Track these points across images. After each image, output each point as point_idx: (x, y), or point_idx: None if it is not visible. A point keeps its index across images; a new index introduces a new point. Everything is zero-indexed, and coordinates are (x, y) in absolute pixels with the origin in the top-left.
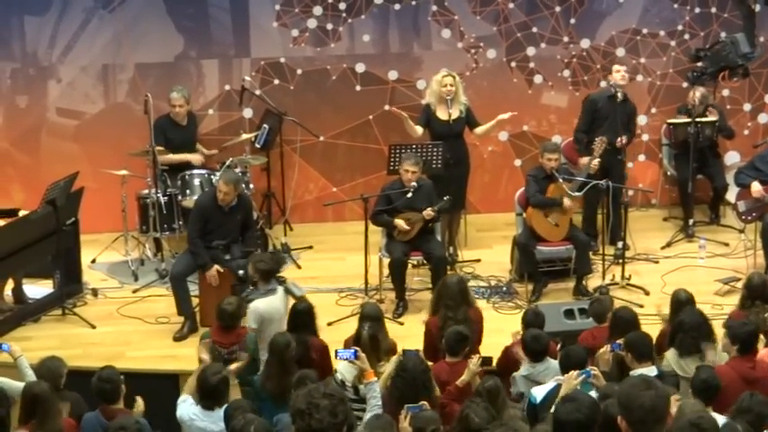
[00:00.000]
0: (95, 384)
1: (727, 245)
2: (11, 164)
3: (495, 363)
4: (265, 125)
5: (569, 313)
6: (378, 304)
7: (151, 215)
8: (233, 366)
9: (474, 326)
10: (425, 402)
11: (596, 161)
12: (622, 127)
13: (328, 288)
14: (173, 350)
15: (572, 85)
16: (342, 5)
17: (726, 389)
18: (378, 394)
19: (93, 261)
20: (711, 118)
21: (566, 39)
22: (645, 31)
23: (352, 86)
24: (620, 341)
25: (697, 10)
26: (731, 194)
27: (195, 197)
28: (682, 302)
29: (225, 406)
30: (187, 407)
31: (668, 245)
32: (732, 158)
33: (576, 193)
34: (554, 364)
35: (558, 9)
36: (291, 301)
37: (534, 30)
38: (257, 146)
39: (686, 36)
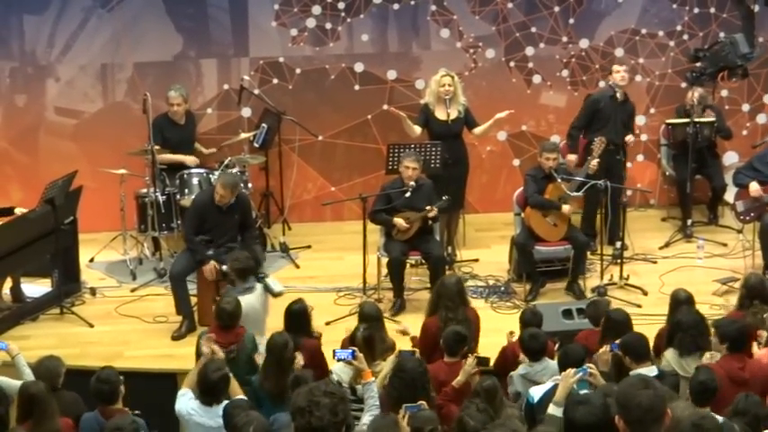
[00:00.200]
0: (94, 385)
1: (725, 245)
2: (9, 163)
3: (492, 363)
4: (264, 124)
5: (567, 313)
6: (376, 303)
7: (149, 214)
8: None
9: (471, 325)
10: (424, 402)
11: (595, 161)
12: (623, 126)
13: (326, 287)
14: (171, 349)
15: (571, 85)
16: (341, 5)
17: None
18: (375, 394)
19: (92, 260)
20: (710, 118)
21: (564, 39)
22: (644, 31)
23: (350, 86)
24: (618, 341)
25: (696, 10)
26: (729, 195)
27: (193, 196)
28: (681, 302)
29: (224, 403)
30: (186, 401)
31: (666, 245)
32: (731, 159)
33: (575, 193)
34: (552, 364)
35: (556, 9)
36: (273, 299)
37: (533, 30)
38: (256, 145)
39: (685, 36)
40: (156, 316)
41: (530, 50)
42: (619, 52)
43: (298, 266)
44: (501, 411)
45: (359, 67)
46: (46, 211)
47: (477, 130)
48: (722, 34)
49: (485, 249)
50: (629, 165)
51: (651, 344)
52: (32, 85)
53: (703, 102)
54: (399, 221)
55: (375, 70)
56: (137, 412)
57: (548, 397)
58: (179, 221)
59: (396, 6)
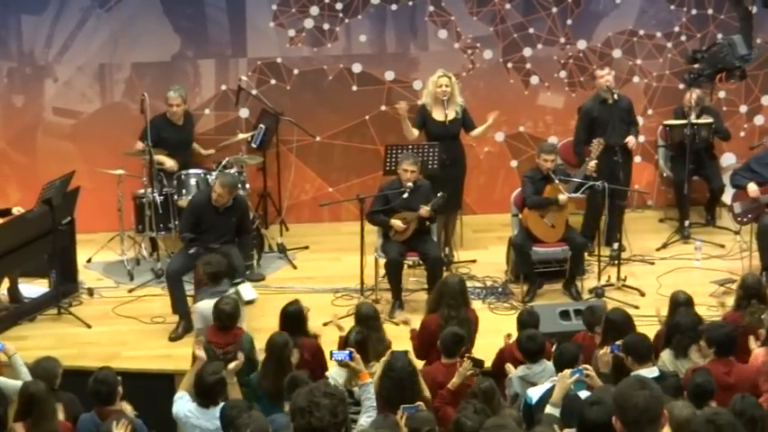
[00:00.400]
0: (91, 386)
1: (722, 246)
2: (7, 163)
3: (489, 364)
4: (262, 125)
5: (565, 314)
6: (373, 304)
7: (147, 215)
8: (231, 366)
9: (471, 326)
10: (421, 403)
11: (593, 163)
12: (624, 124)
13: (324, 288)
14: (168, 350)
15: (568, 86)
16: (338, 6)
17: None
18: (372, 396)
19: (89, 260)
20: (707, 119)
21: (562, 40)
22: (641, 32)
23: (348, 87)
24: (618, 342)
25: (693, 11)
26: (727, 196)
27: (191, 197)
28: (680, 304)
29: (221, 405)
30: (183, 404)
31: (664, 246)
32: (728, 160)
33: (573, 195)
34: (550, 365)
35: (554, 10)
36: (249, 305)
37: (531, 31)
38: (253, 146)
39: (683, 38)
40: (153, 316)
41: (527, 51)
42: (616, 53)
43: (295, 267)
44: (499, 413)
45: (357, 68)
46: (43, 211)
47: (474, 133)
48: (720, 36)
49: (482, 250)
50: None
51: None
52: (30, 85)
53: (701, 103)
54: (396, 222)
55: (373, 71)
56: (134, 413)
57: (546, 398)
58: (176, 222)
59: (394, 7)
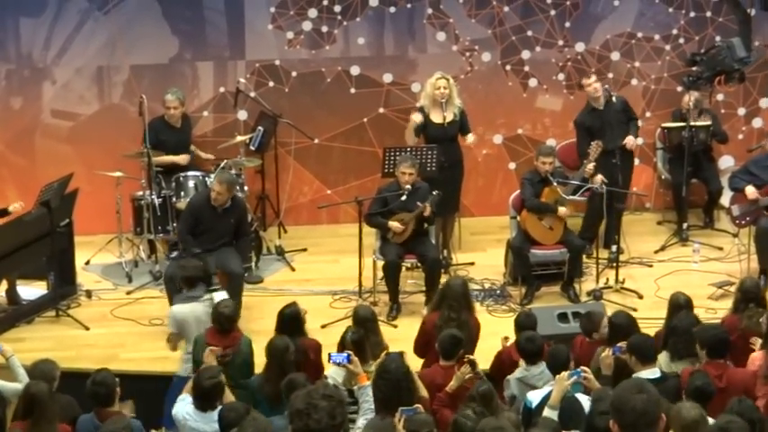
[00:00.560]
0: (90, 388)
1: (721, 249)
2: (5, 165)
3: (488, 367)
4: (260, 127)
5: (563, 317)
6: (371, 306)
7: (145, 217)
8: (214, 349)
9: (471, 332)
10: (419, 405)
11: (591, 165)
12: (621, 126)
13: (322, 290)
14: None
15: (567, 88)
16: (337, 8)
17: None
18: (370, 398)
19: (88, 263)
20: (705, 122)
21: (560, 42)
22: (640, 34)
23: (346, 89)
24: (620, 344)
25: (692, 14)
26: (725, 198)
27: (190, 198)
28: (680, 306)
29: (219, 408)
30: (183, 406)
31: (662, 249)
32: (726, 162)
33: (571, 197)
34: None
35: (552, 12)
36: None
37: (529, 33)
38: (252, 148)
39: (681, 40)
40: (151, 318)
41: (526, 54)
42: (615, 56)
43: (293, 269)
44: (497, 415)
45: (355, 71)
46: (42, 213)
47: (469, 139)
48: (718, 38)
49: (480, 253)
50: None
51: None
52: (28, 87)
53: (699, 105)
54: (394, 225)
55: (371, 73)
56: (132, 415)
57: (546, 401)
58: (175, 224)
59: (392, 9)
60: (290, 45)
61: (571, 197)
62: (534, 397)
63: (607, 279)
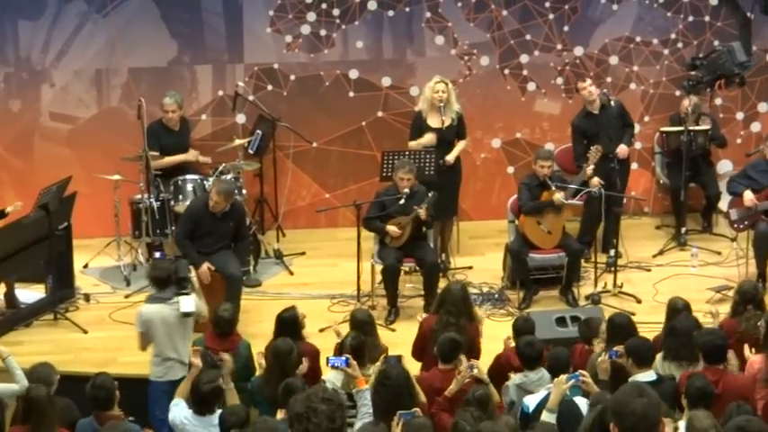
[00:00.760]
0: (89, 391)
1: (719, 253)
2: (3, 168)
3: (486, 370)
4: (258, 131)
5: (561, 321)
6: (368, 310)
7: (144, 220)
8: (224, 370)
9: (469, 338)
10: (418, 409)
11: (590, 169)
12: (616, 132)
13: (320, 294)
14: None
15: (565, 92)
16: (335, 12)
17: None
18: (368, 402)
19: (86, 266)
20: (704, 126)
21: (559, 46)
22: (638, 39)
23: (345, 93)
24: (616, 348)
25: (690, 18)
26: (723, 203)
27: (188, 203)
28: (678, 310)
29: (219, 411)
30: (180, 411)
31: (660, 253)
32: (725, 167)
33: (570, 201)
34: (548, 374)
35: (551, 17)
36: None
37: (528, 37)
38: (250, 151)
39: (679, 44)
40: None
41: (524, 58)
42: (613, 60)
43: (292, 273)
44: (495, 419)
45: (353, 74)
46: (40, 216)
47: (458, 148)
48: (717, 42)
49: (479, 257)
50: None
51: None
52: (27, 90)
53: (698, 110)
54: (392, 229)
55: (370, 77)
56: (131, 418)
57: (543, 405)
58: (173, 227)
59: (390, 13)
60: (289, 48)
61: (570, 201)
62: (531, 401)
63: (605, 283)
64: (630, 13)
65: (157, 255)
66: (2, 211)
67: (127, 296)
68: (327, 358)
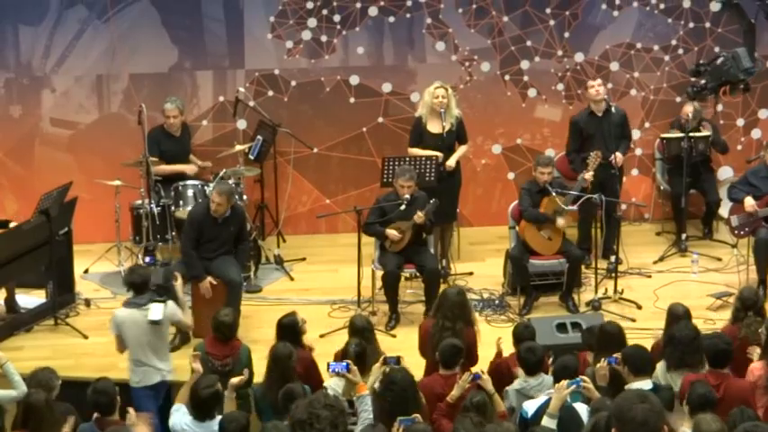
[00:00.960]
0: (90, 396)
1: (719, 260)
2: (4, 174)
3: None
4: (259, 136)
5: (562, 327)
6: (367, 316)
7: (144, 226)
8: (234, 380)
9: (467, 343)
10: (418, 415)
11: (590, 174)
12: (614, 139)
13: (321, 300)
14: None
15: (566, 98)
16: (336, 17)
17: None
18: (369, 407)
19: (86, 271)
20: (705, 133)
21: (560, 52)
22: (639, 45)
23: (346, 98)
24: (616, 355)
25: (691, 25)
26: (724, 209)
27: (188, 208)
28: (678, 317)
29: (219, 418)
30: (180, 416)
31: (661, 259)
32: (725, 173)
33: (570, 207)
34: (548, 379)
35: (552, 23)
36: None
37: (528, 43)
38: (251, 157)
39: (680, 51)
40: None
41: (525, 64)
42: (614, 66)
43: (292, 279)
44: (496, 425)
45: (354, 80)
46: (41, 222)
47: (459, 152)
48: (717, 49)
49: (479, 263)
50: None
51: None
52: (28, 95)
53: (698, 116)
54: (391, 232)
55: (370, 83)
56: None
57: (542, 411)
58: (174, 233)
59: (391, 19)
60: (290, 54)
61: (570, 207)
62: (530, 406)
63: (606, 289)
64: (631, 20)
65: (147, 259)
66: (6, 222)
67: None
68: (328, 364)
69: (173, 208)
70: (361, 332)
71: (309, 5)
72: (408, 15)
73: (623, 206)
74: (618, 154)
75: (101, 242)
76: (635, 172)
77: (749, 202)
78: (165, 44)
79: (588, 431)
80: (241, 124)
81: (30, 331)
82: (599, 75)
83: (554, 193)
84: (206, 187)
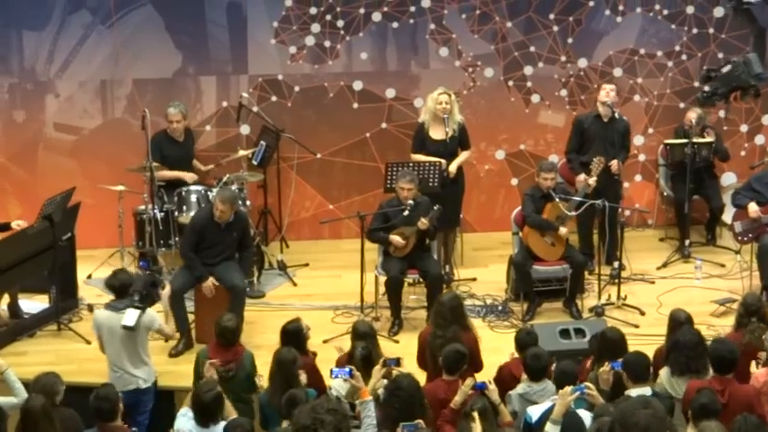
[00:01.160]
0: (93, 402)
1: (723, 266)
2: (8, 179)
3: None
4: (262, 142)
5: (565, 333)
6: (370, 321)
7: (148, 231)
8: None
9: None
10: (421, 421)
11: (593, 180)
12: (614, 146)
13: (324, 306)
14: (168, 366)
15: (569, 104)
16: (340, 23)
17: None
18: (372, 413)
19: (89, 276)
20: (708, 139)
21: (563, 58)
22: (642, 51)
23: (349, 104)
24: (620, 360)
25: (695, 31)
26: (728, 215)
27: (192, 213)
28: (680, 323)
29: (221, 423)
30: (186, 421)
31: (664, 265)
32: (729, 179)
33: (573, 213)
34: (551, 385)
35: (555, 28)
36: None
37: (532, 49)
38: (254, 162)
39: (683, 57)
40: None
41: (528, 70)
42: (617, 72)
43: (295, 284)
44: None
45: (358, 86)
46: (44, 227)
47: (461, 158)
48: (721, 55)
49: (482, 268)
50: (626, 185)
51: None
52: (32, 101)
53: (702, 122)
54: (395, 239)
55: (374, 88)
56: (134, 429)
57: (546, 417)
58: (177, 238)
59: (395, 25)
60: (293, 60)
61: (573, 213)
62: (534, 412)
63: (609, 295)
64: (635, 26)
65: (141, 263)
66: (7, 224)
67: None
68: (331, 369)
69: (176, 213)
70: (363, 338)
71: (313, 11)
72: (412, 21)
73: (626, 212)
74: (616, 161)
75: (104, 247)
76: (638, 178)
77: (753, 208)
78: (169, 49)
79: None
80: (244, 129)
81: (33, 336)
82: (602, 80)
83: (557, 199)
84: (209, 192)
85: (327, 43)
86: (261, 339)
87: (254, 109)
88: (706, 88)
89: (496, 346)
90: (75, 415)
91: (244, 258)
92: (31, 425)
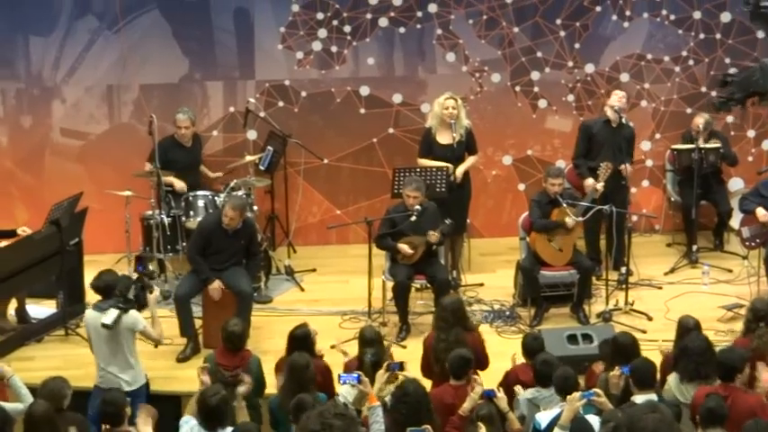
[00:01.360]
0: (100, 407)
1: (730, 271)
2: (15, 184)
3: (496, 387)
4: (269, 147)
5: (572, 338)
6: (376, 327)
7: (155, 236)
8: (241, 389)
9: (470, 349)
10: (428, 426)
11: (600, 185)
12: (622, 152)
13: (331, 311)
14: (175, 371)
15: (576, 109)
16: (347, 28)
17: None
18: (381, 419)
19: None
20: (715, 144)
21: (570, 63)
22: (649, 56)
23: (356, 109)
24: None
25: (701, 36)
26: (735, 221)
27: (199, 218)
28: (689, 329)
29: (229, 429)
30: (189, 429)
31: (672, 271)
32: (736, 185)
33: (581, 218)
34: None
35: (562, 34)
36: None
37: (539, 54)
38: (261, 168)
39: (691, 62)
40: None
41: (535, 75)
42: (624, 77)
43: (303, 289)
44: None
45: (364, 91)
46: (51, 232)
47: (467, 163)
48: (728, 60)
49: (490, 274)
50: (633, 190)
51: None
52: (38, 106)
53: (709, 127)
54: (404, 248)
55: (381, 94)
56: None
57: (555, 423)
58: (184, 243)
59: (402, 30)
60: (300, 65)
61: (581, 219)
62: (543, 418)
63: (617, 301)
64: (641, 31)
65: (140, 267)
66: (13, 231)
67: None
68: (339, 375)
69: (183, 218)
70: (370, 343)
71: (320, 16)
72: (419, 26)
73: (634, 217)
74: (627, 165)
75: (111, 252)
76: (645, 183)
77: (761, 213)
78: (176, 55)
79: None
80: (251, 135)
81: (40, 341)
82: (609, 86)
83: (564, 205)
84: (216, 198)
85: (334, 48)
86: (268, 345)
87: (261, 114)
88: (721, 93)
89: (504, 351)
90: (84, 419)
91: (251, 266)
92: (34, 430)
